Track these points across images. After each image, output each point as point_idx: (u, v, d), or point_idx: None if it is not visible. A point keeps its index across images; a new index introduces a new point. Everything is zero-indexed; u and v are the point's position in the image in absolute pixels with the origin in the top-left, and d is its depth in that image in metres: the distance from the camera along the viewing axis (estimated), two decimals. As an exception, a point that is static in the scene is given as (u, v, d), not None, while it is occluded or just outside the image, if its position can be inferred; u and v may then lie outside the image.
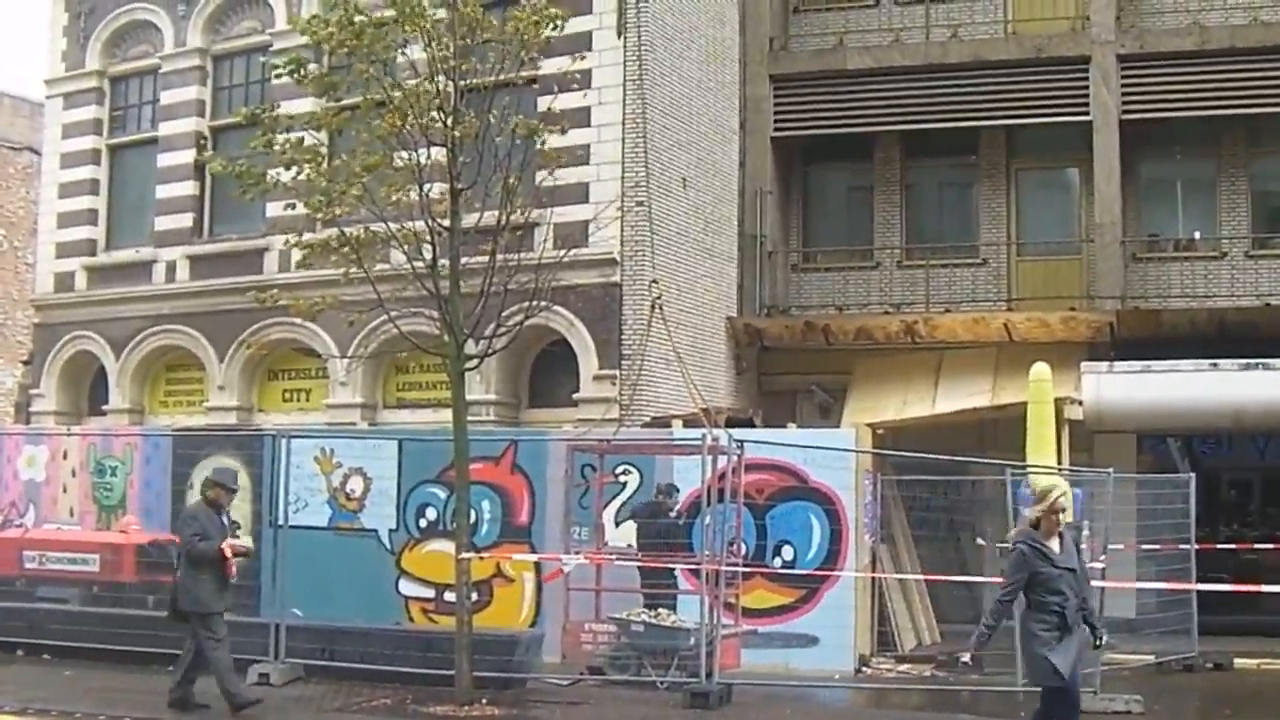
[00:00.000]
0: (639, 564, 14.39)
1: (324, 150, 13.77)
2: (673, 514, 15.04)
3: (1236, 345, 17.88)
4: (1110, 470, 14.39)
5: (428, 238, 12.72)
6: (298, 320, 18.25)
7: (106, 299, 21.92)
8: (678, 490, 15.09)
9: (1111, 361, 18.16)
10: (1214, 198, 21.06)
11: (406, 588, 16.03)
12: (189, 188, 21.43)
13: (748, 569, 14.51)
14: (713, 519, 13.36)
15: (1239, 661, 15.74)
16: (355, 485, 16.34)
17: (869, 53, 21.57)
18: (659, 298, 17.28)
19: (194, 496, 16.74)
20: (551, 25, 12.80)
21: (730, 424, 15.48)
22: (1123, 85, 20.21)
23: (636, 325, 17.72)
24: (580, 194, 17.50)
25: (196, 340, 20.94)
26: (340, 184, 12.78)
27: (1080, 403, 17.70)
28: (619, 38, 18.00)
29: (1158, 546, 15.49)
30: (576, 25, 16.26)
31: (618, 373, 17.69)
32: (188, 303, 21.09)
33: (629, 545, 14.93)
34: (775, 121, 21.71)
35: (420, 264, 12.73)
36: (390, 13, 12.66)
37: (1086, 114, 20.31)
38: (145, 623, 14.81)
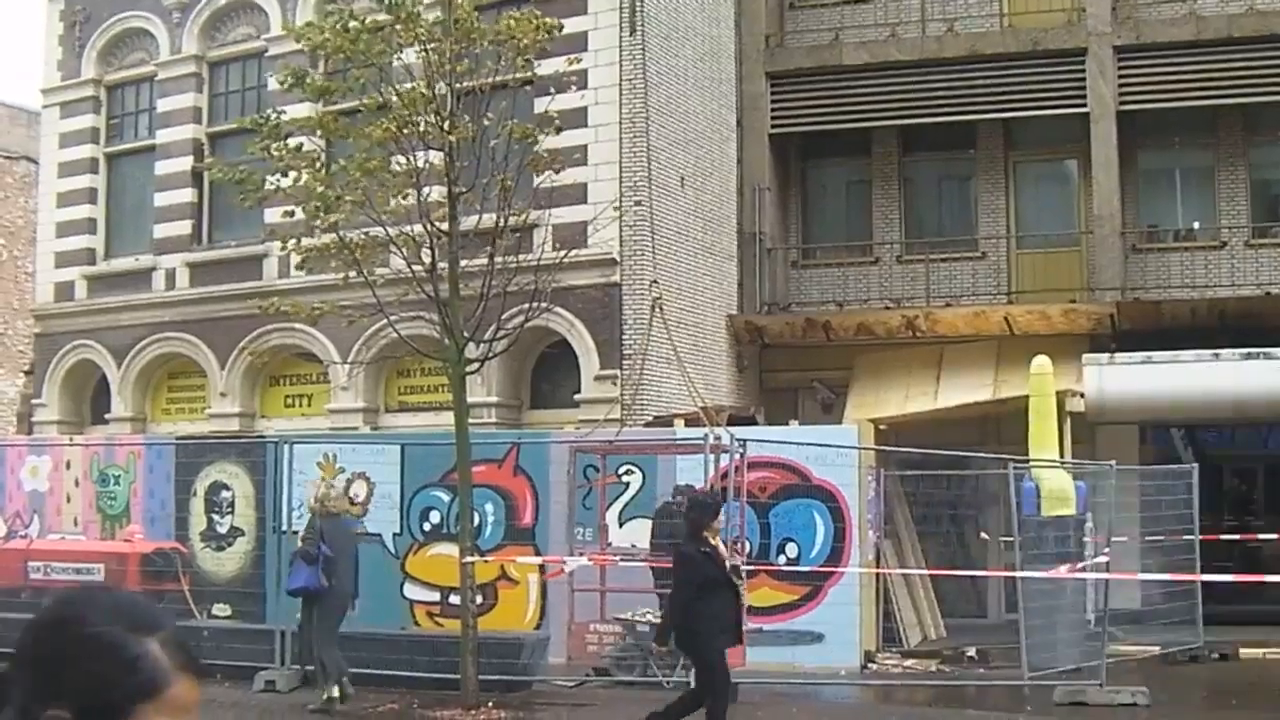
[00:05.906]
0: (642, 564, 14.40)
1: (322, 156, 13.78)
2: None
3: (1237, 335, 17.88)
4: (1113, 462, 14.41)
5: (427, 242, 12.73)
6: (298, 326, 18.26)
7: (107, 307, 21.89)
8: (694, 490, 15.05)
9: (1112, 353, 18.14)
10: (1212, 187, 21.03)
11: (411, 591, 16.03)
12: (187, 195, 21.41)
13: (752, 567, 14.51)
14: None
15: (1244, 651, 15.74)
16: (358, 490, 16.34)
17: (865, 48, 21.52)
18: (659, 298, 17.27)
19: (197, 503, 16.91)
20: (548, 35, 12.82)
21: (732, 422, 15.49)
22: (1119, 76, 20.19)
23: (637, 325, 17.70)
24: (579, 195, 17.46)
25: (197, 347, 20.91)
26: (338, 189, 12.80)
27: (1082, 395, 17.69)
28: (631, 34, 17.96)
29: (1161, 537, 15.49)
30: (572, 25, 16.25)
31: (619, 373, 17.66)
32: (188, 310, 21.06)
33: (633, 545, 14.92)
34: (772, 118, 21.67)
35: (420, 268, 12.75)
36: (385, 17, 12.67)
37: (1084, 106, 20.28)
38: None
